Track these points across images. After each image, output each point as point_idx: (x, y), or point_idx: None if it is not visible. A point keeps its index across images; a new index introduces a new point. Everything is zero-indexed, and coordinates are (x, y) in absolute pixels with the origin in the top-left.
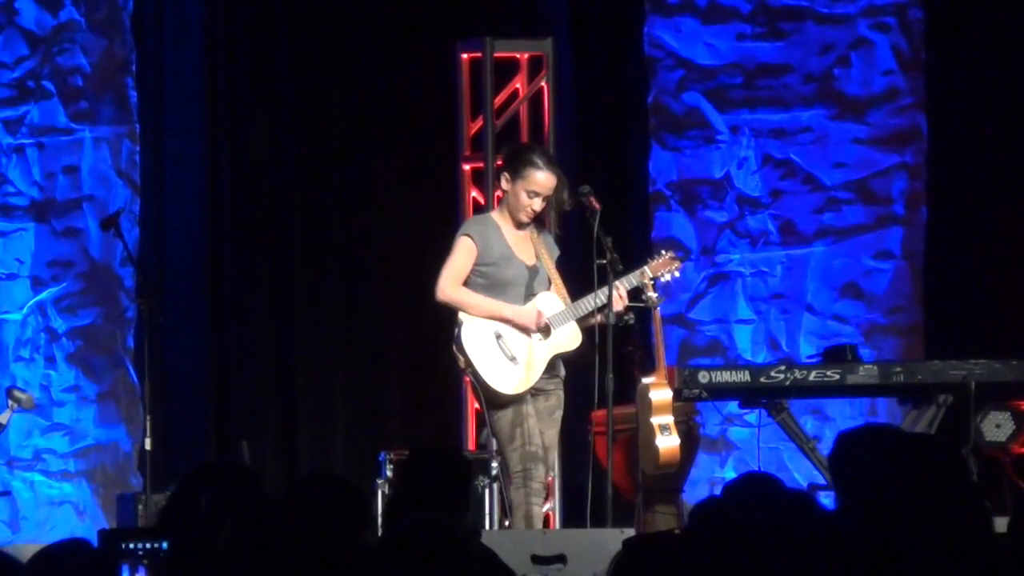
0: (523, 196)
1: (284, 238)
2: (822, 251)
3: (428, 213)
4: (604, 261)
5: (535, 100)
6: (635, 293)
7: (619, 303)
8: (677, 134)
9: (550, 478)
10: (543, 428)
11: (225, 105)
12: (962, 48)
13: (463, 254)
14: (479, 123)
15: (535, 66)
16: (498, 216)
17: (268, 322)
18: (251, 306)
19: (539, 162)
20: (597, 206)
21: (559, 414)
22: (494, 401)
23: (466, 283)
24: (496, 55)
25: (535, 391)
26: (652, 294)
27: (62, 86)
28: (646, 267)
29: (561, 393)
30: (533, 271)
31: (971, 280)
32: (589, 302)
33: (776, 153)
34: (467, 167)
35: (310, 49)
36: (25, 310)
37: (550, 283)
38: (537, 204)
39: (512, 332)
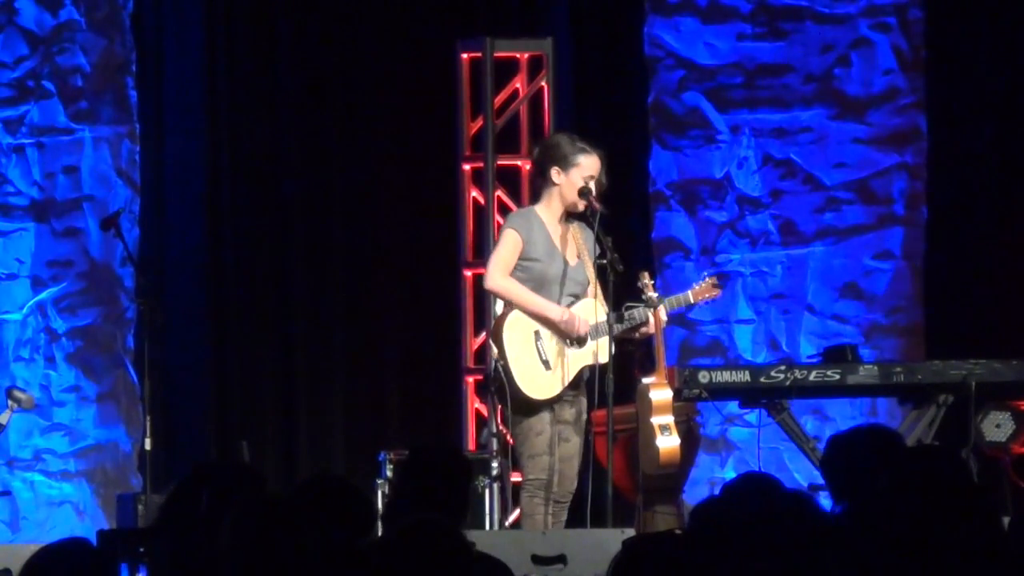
0: (581, 184)
1: (284, 238)
2: (822, 251)
3: (428, 213)
4: (604, 261)
5: (535, 100)
6: (636, 294)
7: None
8: (677, 134)
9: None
10: (568, 436)
11: (225, 105)
12: (962, 48)
13: (509, 246)
14: (479, 123)
15: (535, 66)
16: (542, 211)
17: (268, 322)
18: (251, 306)
19: (584, 146)
20: (597, 206)
21: (583, 419)
22: (519, 404)
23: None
24: (496, 55)
25: (560, 399)
26: (652, 294)
27: (62, 86)
28: (689, 292)
29: (584, 399)
30: (572, 269)
31: (971, 280)
32: (631, 319)
33: (776, 153)
34: (467, 167)
35: (310, 49)
36: (25, 310)
37: (588, 284)
38: (593, 188)
39: (550, 334)
